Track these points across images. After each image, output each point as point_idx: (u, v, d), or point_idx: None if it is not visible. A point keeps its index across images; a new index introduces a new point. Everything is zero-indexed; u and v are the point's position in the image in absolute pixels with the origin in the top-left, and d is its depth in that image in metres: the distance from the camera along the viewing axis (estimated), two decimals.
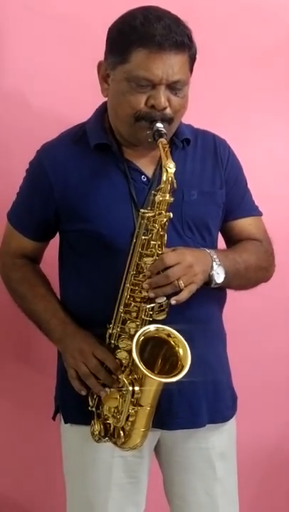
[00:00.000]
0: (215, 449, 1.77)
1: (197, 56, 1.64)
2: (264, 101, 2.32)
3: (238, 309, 2.03)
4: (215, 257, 1.63)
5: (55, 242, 1.81)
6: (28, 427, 2.28)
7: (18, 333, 2.15)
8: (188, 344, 1.53)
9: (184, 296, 1.56)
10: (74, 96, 2.11)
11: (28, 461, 2.31)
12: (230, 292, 1.82)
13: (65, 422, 1.77)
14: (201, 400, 1.72)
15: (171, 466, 1.81)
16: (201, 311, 1.69)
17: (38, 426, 2.22)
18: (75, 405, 1.70)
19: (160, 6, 1.61)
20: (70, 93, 2.13)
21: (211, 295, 1.70)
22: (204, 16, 2.19)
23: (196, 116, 1.78)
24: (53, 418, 1.82)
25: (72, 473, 1.80)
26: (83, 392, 1.64)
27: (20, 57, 2.14)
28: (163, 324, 1.57)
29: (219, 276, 1.63)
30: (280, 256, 1.87)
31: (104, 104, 1.73)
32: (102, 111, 1.74)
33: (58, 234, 1.79)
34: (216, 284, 1.63)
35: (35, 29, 2.14)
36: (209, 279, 1.62)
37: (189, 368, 1.51)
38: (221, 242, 1.85)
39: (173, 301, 1.55)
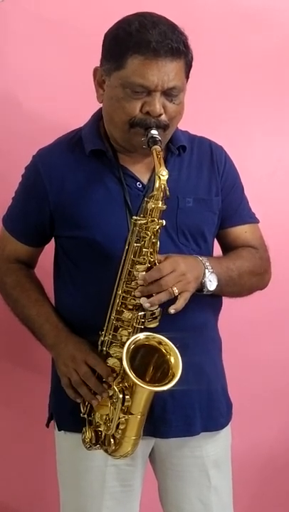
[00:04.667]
0: (209, 457, 1.77)
1: (195, 62, 1.63)
2: (262, 107, 2.31)
3: (235, 316, 2.02)
4: (207, 264, 1.62)
5: (53, 248, 1.80)
6: (22, 433, 2.28)
7: (13, 340, 2.14)
8: (183, 352, 1.52)
9: (180, 304, 1.54)
10: (70, 101, 2.10)
11: (22, 467, 2.31)
12: (227, 299, 1.80)
13: (59, 430, 1.76)
14: (195, 407, 1.71)
15: (165, 474, 1.80)
16: (196, 318, 1.68)
17: (32, 432, 2.21)
18: (68, 413, 1.69)
19: (159, 13, 1.60)
20: (66, 98, 2.13)
21: (206, 302, 1.69)
22: (204, 22, 2.19)
23: (194, 122, 1.77)
24: (47, 425, 1.81)
25: (66, 481, 1.79)
26: (78, 400, 1.63)
27: (16, 62, 2.14)
28: (158, 332, 1.55)
29: (212, 283, 1.62)
30: (278, 262, 1.86)
31: (100, 110, 1.72)
32: (98, 117, 1.73)
33: (53, 240, 1.79)
34: (209, 291, 1.62)
35: (32, 34, 2.14)
36: (201, 287, 1.61)
37: (184, 375, 1.50)
38: (218, 249, 1.84)
39: (172, 310, 1.53)
